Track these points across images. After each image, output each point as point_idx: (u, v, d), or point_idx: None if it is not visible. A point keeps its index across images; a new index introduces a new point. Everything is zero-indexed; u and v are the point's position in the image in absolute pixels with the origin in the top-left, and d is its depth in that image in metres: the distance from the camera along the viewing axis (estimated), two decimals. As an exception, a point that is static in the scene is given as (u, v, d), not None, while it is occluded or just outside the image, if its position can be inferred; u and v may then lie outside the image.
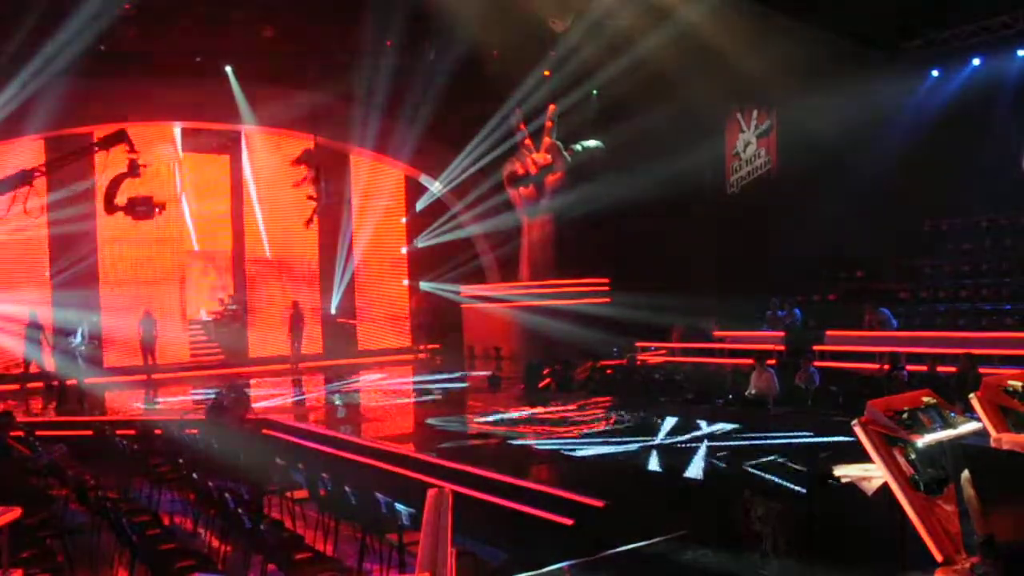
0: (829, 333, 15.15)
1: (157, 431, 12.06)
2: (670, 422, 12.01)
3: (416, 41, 19.04)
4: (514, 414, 13.72)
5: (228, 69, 19.54)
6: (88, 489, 8.19)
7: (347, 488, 7.49)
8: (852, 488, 6.57)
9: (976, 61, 16.32)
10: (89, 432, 12.48)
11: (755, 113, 19.68)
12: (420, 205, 23.88)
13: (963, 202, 16.37)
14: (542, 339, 18.98)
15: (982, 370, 10.36)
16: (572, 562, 6.57)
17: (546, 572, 6.47)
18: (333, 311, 23.27)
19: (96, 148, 15.22)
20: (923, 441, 5.98)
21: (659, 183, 17.15)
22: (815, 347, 14.59)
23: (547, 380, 16.63)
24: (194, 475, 8.54)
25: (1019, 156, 15.93)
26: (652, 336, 17.70)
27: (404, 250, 24.46)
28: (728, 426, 11.60)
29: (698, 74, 16.50)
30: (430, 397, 16.16)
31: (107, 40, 16.67)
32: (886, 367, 12.21)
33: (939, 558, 5.88)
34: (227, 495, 7.26)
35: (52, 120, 17.70)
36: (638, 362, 16.65)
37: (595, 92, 20.40)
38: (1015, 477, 5.54)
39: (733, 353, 16.40)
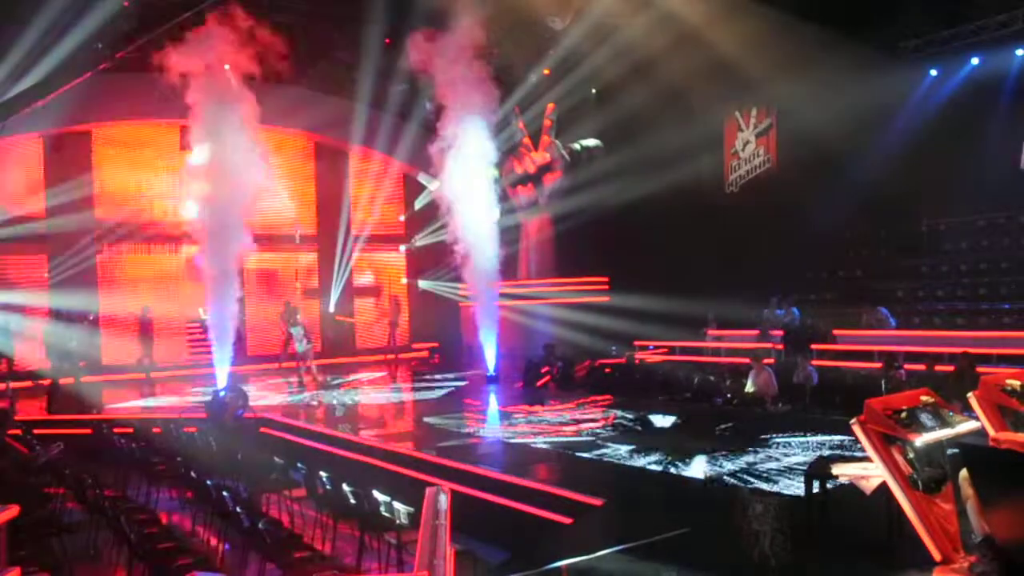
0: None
1: (156, 429, 12.06)
2: (668, 421, 12.00)
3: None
4: (512, 412, 13.72)
5: (226, 67, 19.47)
6: (86, 487, 8.18)
7: (345, 487, 7.49)
8: (851, 487, 6.56)
9: (975, 60, 16.32)
10: (88, 431, 12.50)
11: (754, 112, 19.66)
12: (419, 203, 23.88)
13: (961, 201, 16.34)
14: (541, 337, 18.99)
15: (980, 369, 10.36)
16: (571, 561, 6.57)
17: (545, 571, 6.47)
18: (331, 309, 23.28)
19: None
20: (921, 440, 5.99)
21: (658, 182, 17.14)
22: (813, 346, 14.60)
23: (546, 378, 16.65)
24: (192, 473, 8.53)
25: (1017, 155, 15.92)
26: (650, 335, 17.68)
27: (403, 248, 24.48)
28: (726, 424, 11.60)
29: (697, 73, 16.48)
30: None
31: (105, 38, 16.62)
32: (880, 366, 12.23)
33: (937, 557, 5.89)
34: (225, 493, 7.26)
35: (50, 118, 17.67)
36: (636, 361, 16.65)
37: (594, 91, 20.40)
38: (1013, 476, 5.54)
39: (731, 352, 16.41)
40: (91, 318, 19.35)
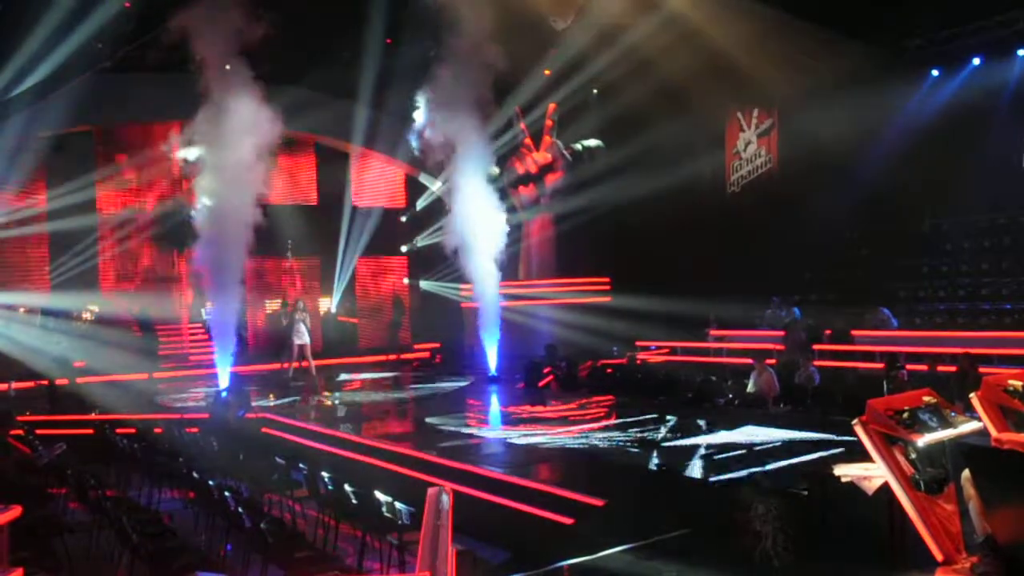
0: (828, 332, 15.14)
1: (157, 430, 12.06)
2: (670, 421, 11.99)
3: (415, 38, 18.98)
4: (514, 413, 13.71)
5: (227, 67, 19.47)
6: (88, 488, 8.19)
7: (347, 487, 7.49)
8: (852, 487, 6.56)
9: (976, 60, 16.31)
10: (89, 431, 12.51)
11: (755, 112, 19.67)
12: (420, 204, 23.89)
13: (963, 201, 16.36)
14: (542, 338, 18.98)
15: (982, 370, 10.35)
16: (572, 561, 6.56)
17: (546, 571, 6.47)
18: (334, 309, 23.29)
19: None
20: (923, 440, 5.99)
21: (659, 182, 17.14)
22: (814, 346, 14.59)
23: (548, 379, 16.64)
24: (194, 474, 8.54)
25: (1020, 155, 15.91)
26: (652, 335, 17.67)
27: (404, 249, 24.49)
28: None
29: (698, 73, 16.48)
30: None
31: (106, 38, 16.63)
32: (882, 367, 12.22)
33: (939, 557, 5.89)
34: (227, 494, 7.26)
35: (53, 118, 17.68)
36: (638, 361, 16.65)
37: (595, 91, 20.39)
38: (1015, 477, 5.54)
39: (732, 353, 16.40)
40: (89, 318, 19.37)
